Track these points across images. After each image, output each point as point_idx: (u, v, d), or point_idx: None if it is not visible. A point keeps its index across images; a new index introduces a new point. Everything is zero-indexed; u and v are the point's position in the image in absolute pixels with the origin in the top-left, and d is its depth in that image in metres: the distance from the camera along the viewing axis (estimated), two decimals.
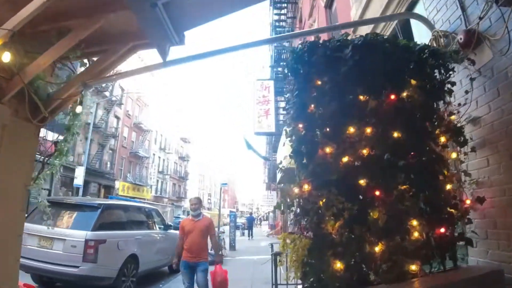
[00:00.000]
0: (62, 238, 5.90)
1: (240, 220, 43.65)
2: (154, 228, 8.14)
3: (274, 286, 5.95)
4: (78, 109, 3.39)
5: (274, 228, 25.15)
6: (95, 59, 3.51)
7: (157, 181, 42.75)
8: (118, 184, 31.60)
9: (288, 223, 16.73)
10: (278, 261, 5.70)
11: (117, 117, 32.41)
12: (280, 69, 13.41)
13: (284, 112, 13.85)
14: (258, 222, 42.44)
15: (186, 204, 56.14)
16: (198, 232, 5.07)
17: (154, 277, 8.31)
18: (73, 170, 23.15)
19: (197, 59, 3.35)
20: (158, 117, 42.95)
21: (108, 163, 30.46)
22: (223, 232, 12.26)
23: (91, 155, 27.44)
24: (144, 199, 35.71)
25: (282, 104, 14.51)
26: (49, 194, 21.41)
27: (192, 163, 60.31)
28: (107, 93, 30.08)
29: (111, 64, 3.41)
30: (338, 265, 2.29)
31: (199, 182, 67.44)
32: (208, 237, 5.36)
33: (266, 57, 29.57)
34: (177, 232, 10.12)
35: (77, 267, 5.73)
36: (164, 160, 45.03)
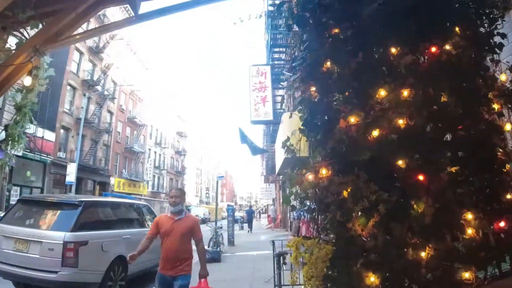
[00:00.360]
0: (38, 240, 5.24)
1: (239, 214, 43.34)
2: (145, 226, 7.49)
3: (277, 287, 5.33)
4: (27, 81, 2.68)
5: (274, 221, 24.56)
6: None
7: (154, 176, 42.12)
8: (113, 181, 30.92)
9: (289, 216, 16.15)
10: (282, 263, 5.06)
11: (110, 112, 31.61)
12: (276, 55, 12.72)
13: (281, 100, 13.20)
14: (257, 215, 41.84)
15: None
16: (178, 236, 3.83)
17: (149, 279, 7.70)
18: (65, 167, 22.41)
19: (177, 11, 2.66)
20: (153, 110, 42.14)
21: (103, 159, 29.71)
22: (221, 227, 11.63)
23: (84, 152, 26.72)
24: (141, 195, 35.12)
25: (280, 92, 13.87)
26: (41, 193, 20.76)
27: (188, 157, 59.62)
28: (99, 87, 29.24)
29: (69, 26, 2.71)
30: (372, 279, 1.64)
31: (196, 176, 66.82)
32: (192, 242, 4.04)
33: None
34: None
35: (56, 272, 5.09)
36: (160, 155, 44.33)
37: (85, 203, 5.70)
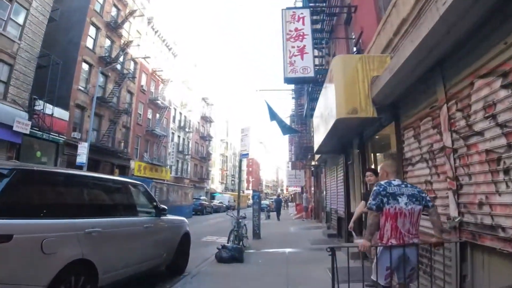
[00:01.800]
0: None
1: (265, 202, 41.47)
2: (134, 213, 5.25)
3: None
4: None
5: (306, 210, 22.05)
6: None
7: (177, 161, 40.55)
8: (133, 164, 29.41)
9: (325, 205, 13.62)
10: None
11: (130, 92, 29.94)
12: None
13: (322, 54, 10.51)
14: (285, 204, 39.57)
15: (208, 185, 54.23)
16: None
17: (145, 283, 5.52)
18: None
19: None
20: (176, 92, 40.36)
21: (122, 141, 28.14)
22: (244, 217, 9.29)
23: (101, 132, 25.18)
24: (163, 180, 33.55)
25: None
26: None
27: (213, 143, 57.91)
28: (118, 67, 27.52)
29: None
30: None
31: (222, 163, 65.21)
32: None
33: None
34: (178, 219, 7.32)
35: None
36: (184, 139, 42.68)
37: (17, 172, 3.47)
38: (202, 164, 50.93)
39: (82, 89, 23.92)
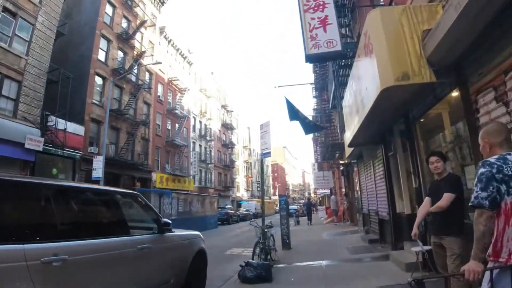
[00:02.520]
0: None
1: (292, 207, 39.98)
2: (121, 232, 4.02)
3: None
4: None
5: (336, 214, 20.39)
6: None
7: (200, 171, 39.73)
8: (155, 176, 28.69)
9: (361, 206, 12.10)
10: None
11: (147, 103, 29.36)
12: None
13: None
14: (314, 208, 37.84)
15: (234, 193, 53.20)
16: None
17: None
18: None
19: None
20: (194, 101, 39.71)
21: (142, 154, 27.49)
22: (271, 226, 7.95)
23: (120, 146, 24.59)
24: (187, 190, 32.72)
25: None
26: None
27: (236, 150, 56.97)
28: (132, 78, 27.01)
29: None
30: None
31: (246, 170, 64.12)
32: None
33: None
34: (189, 234, 5.91)
35: None
36: (205, 148, 41.87)
37: None
38: (226, 172, 49.97)
39: (97, 102, 23.46)
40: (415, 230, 3.77)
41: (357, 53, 5.86)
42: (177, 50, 36.13)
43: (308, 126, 15.12)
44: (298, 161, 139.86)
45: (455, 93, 4.33)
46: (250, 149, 67.82)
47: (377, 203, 9.34)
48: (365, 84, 5.37)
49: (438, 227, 3.59)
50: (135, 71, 28.08)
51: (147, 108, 29.47)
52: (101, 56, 24.65)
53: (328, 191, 31.52)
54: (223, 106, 51.16)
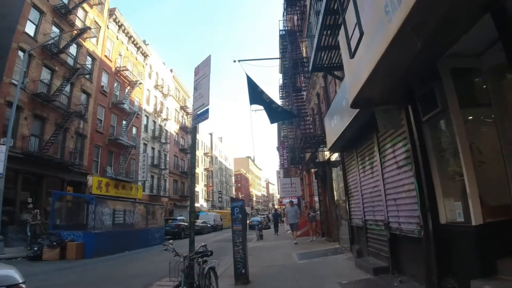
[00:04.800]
0: None
1: (255, 219, 37.23)
2: None
3: None
4: None
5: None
6: None
7: (152, 177, 35.05)
8: (91, 180, 23.86)
9: (351, 215, 8.59)
10: None
11: (86, 93, 24.66)
12: None
13: None
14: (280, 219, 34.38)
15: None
16: None
17: None
18: (12, 158, 15.41)
19: None
20: (149, 98, 35.22)
21: (76, 152, 22.69)
22: (206, 254, 4.01)
23: (44, 139, 19.78)
24: (135, 199, 28.03)
25: None
26: None
27: (197, 156, 52.52)
28: (64, 57, 22.39)
29: None
30: None
31: (207, 178, 59.62)
32: None
33: None
34: None
35: None
36: (159, 151, 37.24)
37: None
38: (184, 180, 45.34)
39: (16, 83, 18.69)
40: None
41: None
42: (130, 38, 31.72)
43: (275, 113, 11.61)
44: (262, 172, 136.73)
45: None
46: (211, 156, 63.50)
47: (386, 210, 5.82)
48: None
49: None
50: (73, 52, 23.50)
51: (86, 98, 24.77)
52: (30, 29, 20.01)
53: (295, 200, 28.08)
54: (182, 108, 46.85)
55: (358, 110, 5.43)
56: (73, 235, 13.85)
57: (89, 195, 20.83)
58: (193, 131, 5.80)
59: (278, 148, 37.83)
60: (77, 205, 17.40)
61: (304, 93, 15.91)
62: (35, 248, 13.07)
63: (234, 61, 10.80)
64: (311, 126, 13.54)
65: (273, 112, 11.51)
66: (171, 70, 44.01)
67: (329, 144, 8.94)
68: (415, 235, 4.76)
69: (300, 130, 14.00)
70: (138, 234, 17.18)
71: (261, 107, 11.70)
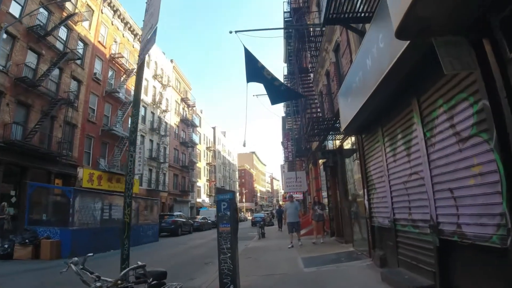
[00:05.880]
0: None
1: (258, 215, 35.78)
2: None
3: None
4: None
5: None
6: None
7: (150, 170, 33.50)
8: (82, 173, 22.30)
9: (372, 212, 6.83)
10: None
11: (77, 80, 23.04)
12: None
13: None
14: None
15: (193, 199, 47.01)
16: None
17: None
18: None
19: None
20: (147, 88, 33.58)
21: (65, 142, 21.09)
22: (149, 281, 2.27)
23: (28, 128, 18.24)
24: (135, 194, 26.38)
25: None
26: None
27: (199, 150, 50.94)
28: (52, 40, 20.81)
29: None
30: None
31: (209, 173, 58.06)
32: None
33: None
34: None
35: None
36: (158, 144, 35.61)
37: None
38: (184, 175, 43.77)
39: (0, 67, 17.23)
40: None
41: None
42: (126, 24, 30.02)
43: (278, 91, 9.89)
44: (267, 168, 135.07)
45: None
46: (214, 151, 61.89)
47: (435, 205, 4.06)
48: None
49: None
50: (63, 36, 21.90)
51: (77, 85, 23.14)
52: (15, 9, 18.44)
53: (300, 195, 26.37)
54: (183, 100, 45.19)
55: (389, 68, 3.73)
56: (50, 231, 12.29)
57: (69, 187, 18.99)
58: (139, 68, 4.09)
59: (282, 143, 36.17)
60: (64, 199, 15.81)
61: (311, 75, 14.13)
62: (5, 246, 11.56)
63: (230, 32, 8.90)
64: (319, 110, 11.78)
65: (275, 91, 9.80)
66: (171, 61, 42.32)
67: (343, 125, 7.17)
68: (494, 243, 3.01)
69: (307, 115, 12.24)
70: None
71: (264, 95, 10.11)
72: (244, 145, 10.38)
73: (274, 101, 9.99)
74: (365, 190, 7.06)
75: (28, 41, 19.04)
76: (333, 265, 7.17)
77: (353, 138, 9.94)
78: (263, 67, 9.75)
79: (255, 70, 9.60)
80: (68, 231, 12.06)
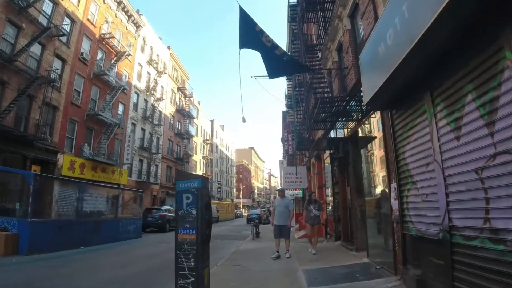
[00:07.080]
0: None
1: (254, 212, 35.14)
2: None
3: None
4: None
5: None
6: None
7: (141, 161, 31.64)
8: (62, 159, 20.43)
9: (405, 215, 4.91)
10: None
11: (61, 58, 21.09)
12: None
13: None
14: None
15: None
16: None
17: None
18: None
19: None
20: (140, 74, 31.66)
21: (44, 125, 19.19)
22: None
23: (2, 106, 16.35)
24: (118, 184, 24.70)
25: None
26: None
27: (195, 143, 49.07)
28: (35, 14, 18.90)
29: None
30: None
31: (205, 166, 56.19)
32: None
33: None
34: None
35: None
36: (150, 134, 33.70)
37: None
38: (179, 167, 41.89)
39: None
40: None
41: None
42: (119, 3, 28.00)
43: (278, 62, 8.04)
44: (265, 164, 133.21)
45: None
46: (211, 144, 60.01)
47: None
48: None
49: None
50: (47, 10, 19.95)
51: (62, 64, 21.19)
52: None
53: (299, 193, 24.51)
54: (180, 89, 43.24)
55: None
56: (8, 223, 10.46)
57: (29, 172, 16.71)
58: None
59: (282, 139, 34.37)
60: (26, 186, 13.96)
61: (319, 54, 12.25)
62: None
63: None
64: (328, 89, 9.92)
65: (276, 62, 7.94)
66: (168, 47, 40.30)
67: (367, 97, 5.29)
68: None
69: (314, 96, 10.34)
70: (101, 225, 13.70)
71: (264, 77, 8.35)
72: (243, 121, 8.59)
73: (273, 74, 8.15)
74: (395, 184, 5.21)
75: (7, 13, 17.13)
76: (347, 284, 5.32)
77: (367, 126, 8.10)
78: (262, 32, 7.82)
79: (252, 35, 7.69)
80: (26, 223, 10.21)
